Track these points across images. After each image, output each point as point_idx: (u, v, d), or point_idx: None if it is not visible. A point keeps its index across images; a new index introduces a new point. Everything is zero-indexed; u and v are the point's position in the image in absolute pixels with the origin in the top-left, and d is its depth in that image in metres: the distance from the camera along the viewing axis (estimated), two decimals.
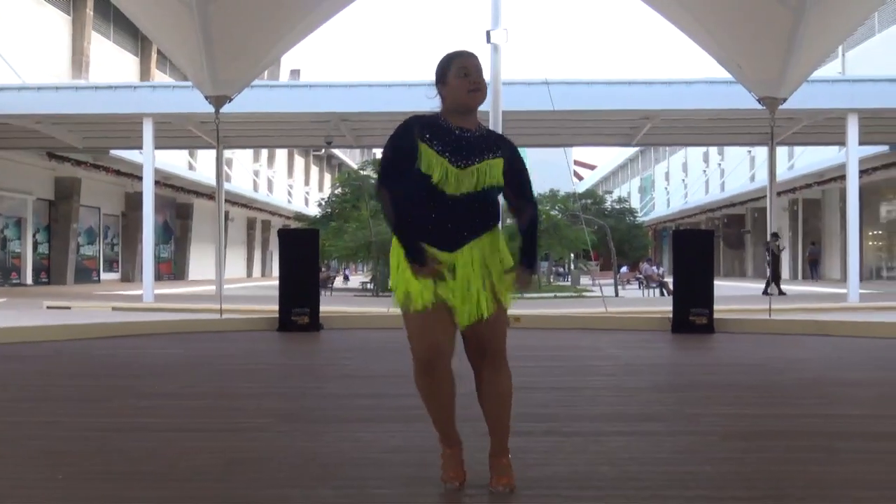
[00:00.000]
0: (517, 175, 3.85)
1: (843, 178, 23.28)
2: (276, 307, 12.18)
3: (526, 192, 3.91)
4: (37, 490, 3.91)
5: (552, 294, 28.35)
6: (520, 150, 4.01)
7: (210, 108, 14.00)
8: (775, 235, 24.99)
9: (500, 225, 3.93)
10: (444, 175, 3.69)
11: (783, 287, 23.27)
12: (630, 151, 71.68)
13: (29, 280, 29.70)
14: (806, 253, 39.48)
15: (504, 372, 3.84)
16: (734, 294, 22.10)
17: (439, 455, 3.86)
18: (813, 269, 38.39)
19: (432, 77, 3.87)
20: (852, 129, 19.59)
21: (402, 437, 4.85)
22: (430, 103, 3.89)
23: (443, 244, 3.71)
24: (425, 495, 3.74)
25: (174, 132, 22.98)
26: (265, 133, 25.83)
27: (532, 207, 3.94)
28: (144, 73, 36.20)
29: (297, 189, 58.96)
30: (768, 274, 23.23)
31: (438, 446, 3.87)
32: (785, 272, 35.47)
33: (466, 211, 3.74)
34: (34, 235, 30.29)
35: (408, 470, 4.14)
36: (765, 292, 22.55)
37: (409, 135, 3.75)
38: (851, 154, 19.97)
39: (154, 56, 36.36)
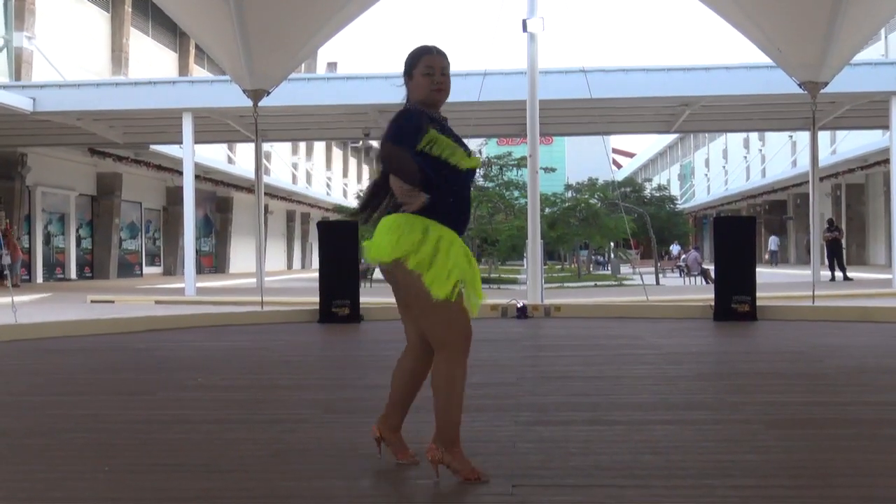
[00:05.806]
0: None
1: (887, 161, 22.99)
2: (317, 299, 12.24)
3: None
4: (82, 483, 3.95)
5: (592, 283, 28.24)
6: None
7: (248, 102, 14.06)
8: (830, 221, 24.79)
9: None
10: (462, 155, 3.77)
11: (834, 274, 23.07)
12: (669, 138, 71.15)
13: (73, 275, 30.10)
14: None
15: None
16: (777, 281, 21.88)
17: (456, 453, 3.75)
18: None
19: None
20: None
21: None
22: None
23: (457, 227, 3.80)
24: (468, 485, 3.73)
25: (213, 126, 23.18)
26: (303, 126, 25.95)
27: None
28: (183, 68, 36.48)
29: (336, 181, 59.14)
30: (836, 263, 23.05)
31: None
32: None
33: (468, 194, 3.89)
34: (77, 231, 30.68)
35: None
36: (844, 278, 22.39)
37: (420, 118, 3.76)
38: (895, 138, 19.70)
39: (192, 51, 36.63)
